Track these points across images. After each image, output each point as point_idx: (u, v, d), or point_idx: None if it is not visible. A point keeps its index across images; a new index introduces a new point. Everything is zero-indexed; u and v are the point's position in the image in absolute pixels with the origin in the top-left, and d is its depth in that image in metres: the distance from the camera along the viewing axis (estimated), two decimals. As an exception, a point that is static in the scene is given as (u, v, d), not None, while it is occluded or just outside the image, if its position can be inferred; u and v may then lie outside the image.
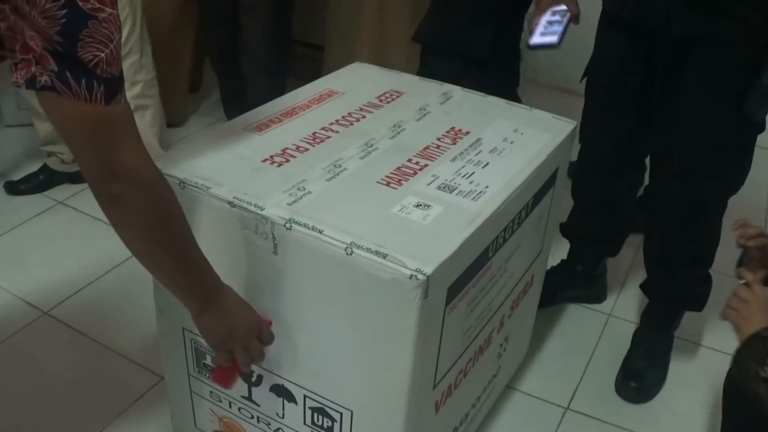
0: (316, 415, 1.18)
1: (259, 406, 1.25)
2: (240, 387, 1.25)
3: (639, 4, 1.43)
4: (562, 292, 1.90)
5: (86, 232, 2.08)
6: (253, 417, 1.27)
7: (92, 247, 2.01)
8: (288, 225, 1.04)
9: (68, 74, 0.78)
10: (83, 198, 2.21)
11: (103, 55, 0.79)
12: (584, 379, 1.71)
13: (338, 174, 1.16)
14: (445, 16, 1.70)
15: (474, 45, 1.66)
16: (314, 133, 1.27)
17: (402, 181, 1.16)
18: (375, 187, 1.14)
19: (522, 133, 1.35)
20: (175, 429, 1.44)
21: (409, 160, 1.22)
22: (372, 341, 1.05)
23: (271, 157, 1.19)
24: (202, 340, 1.24)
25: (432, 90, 1.49)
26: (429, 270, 0.97)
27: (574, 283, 1.90)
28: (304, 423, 1.20)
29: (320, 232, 1.02)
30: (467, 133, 1.33)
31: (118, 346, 1.71)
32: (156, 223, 0.92)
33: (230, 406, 1.30)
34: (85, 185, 2.13)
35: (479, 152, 1.27)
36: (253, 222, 1.07)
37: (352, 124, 1.32)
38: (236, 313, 1.05)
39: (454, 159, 1.24)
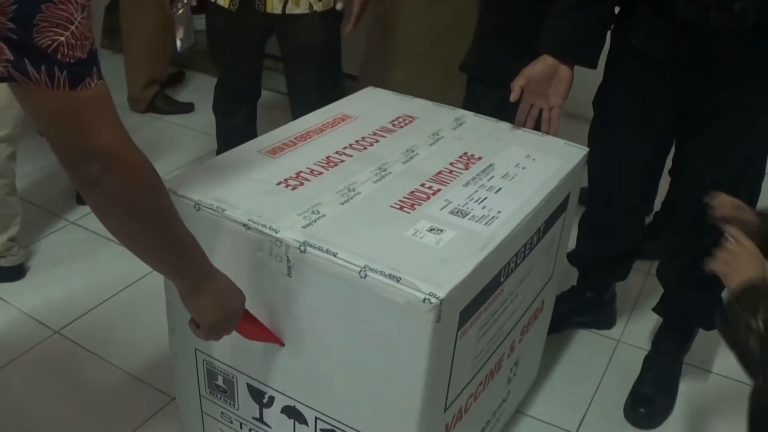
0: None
1: (270, 427, 1.25)
2: (251, 408, 1.26)
3: (684, 50, 1.41)
4: (572, 317, 1.91)
5: (97, 253, 2.09)
6: (263, 439, 1.28)
7: (103, 268, 2.03)
8: (302, 248, 1.05)
9: (26, 62, 0.73)
10: (94, 218, 2.22)
11: (62, 38, 0.74)
12: (593, 404, 1.71)
13: (352, 198, 1.17)
14: (490, 46, 1.71)
15: (514, 76, 1.66)
16: (328, 157, 1.29)
17: (415, 206, 1.17)
18: (388, 211, 1.15)
19: (534, 159, 1.37)
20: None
21: (422, 185, 1.23)
22: (384, 364, 1.06)
23: (286, 180, 1.20)
24: (214, 361, 1.25)
25: (444, 115, 1.51)
26: (442, 294, 0.97)
27: (584, 308, 1.91)
28: (315, 445, 1.20)
29: (334, 255, 1.03)
30: (480, 158, 1.34)
31: (129, 365, 1.72)
32: (137, 204, 0.88)
33: (241, 428, 1.30)
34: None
35: (491, 177, 1.28)
36: (268, 244, 1.08)
37: (365, 148, 1.34)
38: (229, 295, 1.05)
39: (466, 184, 1.25)
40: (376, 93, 1.61)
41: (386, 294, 0.99)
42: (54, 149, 0.81)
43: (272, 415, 1.23)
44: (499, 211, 1.18)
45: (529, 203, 1.22)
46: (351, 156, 1.30)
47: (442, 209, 1.17)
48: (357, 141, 1.36)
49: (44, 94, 0.75)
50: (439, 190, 1.22)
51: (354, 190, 1.19)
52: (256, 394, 1.23)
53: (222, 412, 1.31)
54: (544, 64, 1.47)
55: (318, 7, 1.83)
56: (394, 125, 1.44)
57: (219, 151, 2.16)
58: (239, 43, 1.99)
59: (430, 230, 1.11)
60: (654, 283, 1.85)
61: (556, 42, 1.48)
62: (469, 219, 1.15)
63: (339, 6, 1.88)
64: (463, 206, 1.18)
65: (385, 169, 1.27)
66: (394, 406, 1.08)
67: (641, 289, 2.09)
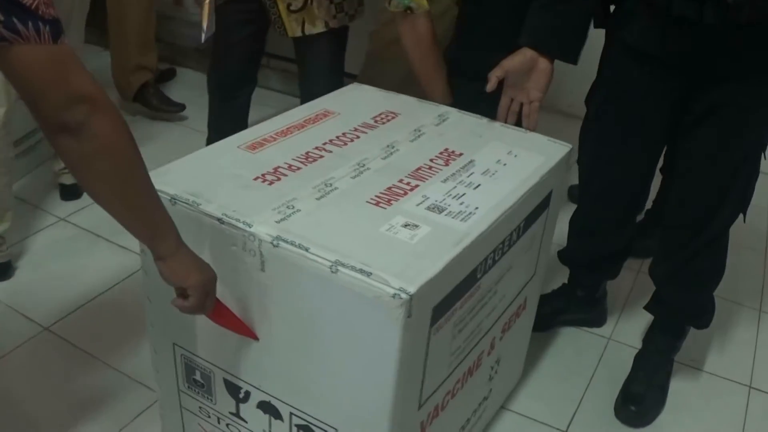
0: (303, 433, 1.18)
1: (247, 422, 1.25)
2: (228, 403, 1.26)
3: (679, 47, 1.40)
4: (562, 315, 1.90)
5: (87, 249, 2.10)
6: (240, 434, 1.28)
7: (93, 264, 2.03)
8: (275, 242, 1.04)
9: (15, 20, 0.79)
10: (85, 215, 2.23)
11: None
12: (583, 402, 1.71)
13: (328, 193, 1.17)
14: (467, 40, 1.72)
15: (493, 68, 1.66)
16: (307, 153, 1.29)
17: (392, 201, 1.17)
18: (364, 207, 1.15)
19: (516, 156, 1.36)
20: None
21: (401, 181, 1.23)
22: (356, 360, 1.05)
23: (263, 175, 1.20)
24: (192, 356, 1.25)
25: (428, 111, 1.50)
26: (413, 289, 0.97)
27: (574, 307, 1.90)
28: (291, 441, 1.20)
29: (306, 249, 1.03)
30: (460, 154, 1.34)
31: (118, 362, 1.72)
32: (120, 149, 0.91)
33: (219, 422, 1.30)
34: (88, 202, 2.17)
35: (471, 174, 1.28)
36: (241, 239, 1.08)
37: (345, 144, 1.34)
38: (204, 262, 1.06)
39: (445, 180, 1.25)
40: (361, 89, 1.61)
41: (357, 289, 0.99)
42: (39, 104, 0.86)
43: (248, 410, 1.23)
44: (477, 208, 1.17)
45: (508, 200, 1.21)
46: (330, 152, 1.30)
47: (418, 205, 1.16)
48: (338, 137, 1.35)
49: (32, 48, 0.82)
50: (417, 186, 1.22)
51: (331, 185, 1.19)
52: (233, 389, 1.23)
53: (200, 407, 1.31)
54: (523, 56, 1.47)
55: (333, 24, 1.84)
56: (376, 121, 1.43)
57: (210, 139, 2.16)
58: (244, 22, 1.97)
59: (405, 226, 1.11)
60: (645, 281, 1.84)
61: (536, 35, 1.48)
62: (445, 215, 1.15)
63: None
64: (440, 202, 1.18)
65: (363, 165, 1.26)
66: (366, 402, 1.08)
67: (632, 287, 2.08)
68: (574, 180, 2.34)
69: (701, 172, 1.52)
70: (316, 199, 1.15)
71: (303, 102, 2.02)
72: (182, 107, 2.91)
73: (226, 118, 2.11)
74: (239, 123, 2.06)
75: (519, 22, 1.51)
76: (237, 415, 1.26)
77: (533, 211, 1.33)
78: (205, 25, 2.18)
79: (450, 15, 1.98)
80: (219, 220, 1.09)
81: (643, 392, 1.68)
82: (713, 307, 1.72)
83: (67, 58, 0.85)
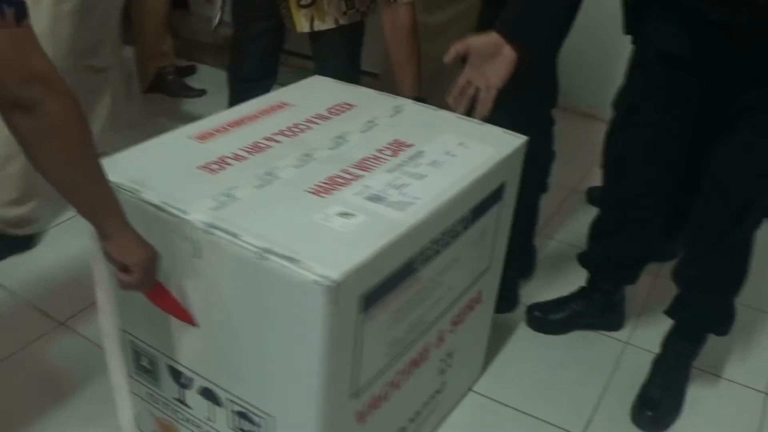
0: (240, 419, 1.19)
1: (191, 408, 1.26)
2: (173, 389, 1.27)
3: (710, 50, 1.38)
4: (579, 318, 1.89)
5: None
6: (186, 419, 1.29)
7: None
8: (208, 230, 1.06)
9: None
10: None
11: None
12: (600, 406, 1.70)
13: (269, 182, 1.18)
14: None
15: None
16: (256, 143, 1.30)
17: (331, 191, 1.17)
18: (303, 196, 1.15)
19: (467, 147, 1.36)
20: (121, 428, 1.46)
21: (344, 171, 1.23)
22: (286, 346, 1.06)
23: (207, 164, 1.21)
24: (139, 342, 1.27)
25: (384, 103, 1.51)
26: (336, 276, 0.98)
27: (592, 310, 1.89)
28: (229, 427, 1.21)
29: (236, 236, 1.04)
30: (410, 145, 1.34)
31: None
32: (76, 131, 0.94)
33: (166, 408, 1.31)
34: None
35: (418, 164, 1.28)
36: (178, 226, 1.09)
37: (296, 134, 1.34)
38: (146, 242, 1.08)
39: (390, 170, 1.25)
40: (322, 81, 1.62)
41: (283, 276, 1.00)
42: None
43: (191, 396, 1.25)
44: (418, 198, 1.18)
45: (451, 190, 1.21)
46: (280, 142, 1.31)
47: (357, 194, 1.17)
48: (288, 128, 1.36)
49: None
50: (360, 176, 1.22)
51: (273, 174, 1.20)
52: (176, 375, 1.25)
53: (148, 393, 1.33)
54: (489, 38, 1.45)
55: (343, 20, 1.82)
56: (330, 113, 1.44)
57: None
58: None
59: (340, 215, 1.11)
60: (663, 285, 1.81)
61: (505, 21, 1.46)
62: (384, 205, 1.15)
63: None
64: (380, 192, 1.18)
65: (309, 155, 1.27)
66: (296, 389, 1.08)
67: (650, 291, 2.05)
68: (595, 182, 2.36)
69: (730, 177, 1.49)
70: (255, 188, 1.16)
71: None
72: (202, 92, 2.96)
73: None
74: None
75: None
76: (182, 401, 1.27)
77: (482, 202, 1.33)
78: (216, 12, 2.20)
79: (468, 18, 1.97)
80: (157, 207, 1.10)
81: (660, 397, 1.67)
82: (734, 314, 1.69)
83: (27, 41, 0.88)
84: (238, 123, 1.37)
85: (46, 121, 0.91)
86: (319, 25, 1.80)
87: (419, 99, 1.59)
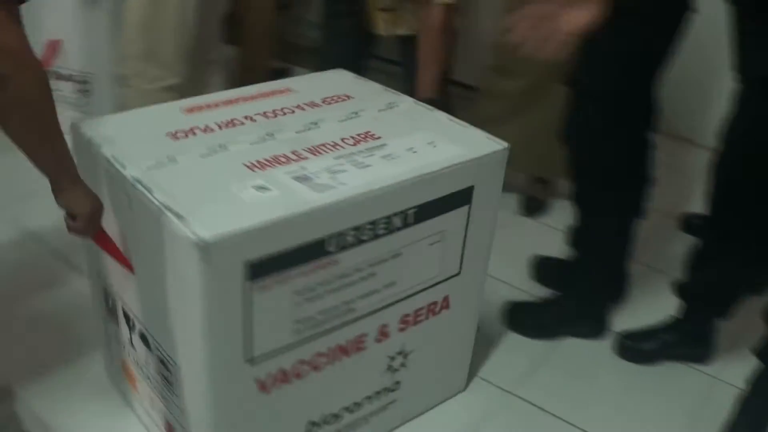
0: (161, 365, 1.28)
1: (136, 351, 1.38)
2: (126, 332, 1.40)
3: None
4: (670, 349, 1.82)
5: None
6: (134, 361, 1.41)
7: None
8: (134, 184, 1.16)
9: None
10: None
11: None
12: None
13: (216, 153, 1.26)
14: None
15: None
16: (233, 119, 1.39)
17: (267, 167, 1.23)
18: (237, 168, 1.22)
19: (434, 146, 1.35)
20: (106, 367, 1.62)
21: (294, 152, 1.28)
22: (182, 300, 1.14)
23: (176, 132, 1.32)
24: (106, 285, 1.41)
25: (382, 99, 1.53)
26: (209, 236, 1.04)
27: (683, 341, 1.81)
28: (157, 372, 1.31)
29: (149, 191, 1.13)
30: (378, 138, 1.36)
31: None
32: (40, 100, 1.04)
33: (123, 349, 1.45)
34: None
35: (370, 156, 1.30)
36: (118, 179, 1.21)
37: (276, 117, 1.42)
38: (94, 194, 1.20)
39: (338, 157, 1.28)
40: (341, 74, 1.66)
41: (172, 232, 1.08)
42: None
43: (135, 339, 1.36)
44: (344, 184, 1.20)
45: (383, 182, 1.22)
46: (255, 121, 1.39)
47: (288, 174, 1.21)
48: (274, 110, 1.44)
49: None
50: (305, 158, 1.27)
51: (224, 147, 1.28)
52: (126, 318, 1.37)
53: (115, 334, 1.47)
54: None
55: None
56: (324, 101, 1.49)
57: None
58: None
59: (256, 188, 1.17)
60: (756, 319, 1.68)
61: None
62: (306, 185, 1.19)
63: None
64: (312, 174, 1.22)
65: (272, 135, 1.34)
66: (191, 342, 1.16)
67: (742, 324, 1.88)
68: (690, 208, 2.31)
69: None
70: (200, 156, 1.25)
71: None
72: None
73: None
74: None
75: None
76: (131, 343, 1.39)
77: (435, 202, 1.31)
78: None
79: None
80: (107, 160, 1.23)
81: None
82: None
83: None
84: (231, 101, 1.47)
85: (14, 94, 1.00)
86: (395, 30, 1.86)
87: (433, 101, 1.59)
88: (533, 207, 2.41)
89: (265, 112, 1.43)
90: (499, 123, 2.19)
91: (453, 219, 1.37)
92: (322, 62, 2.15)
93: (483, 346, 1.76)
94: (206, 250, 1.04)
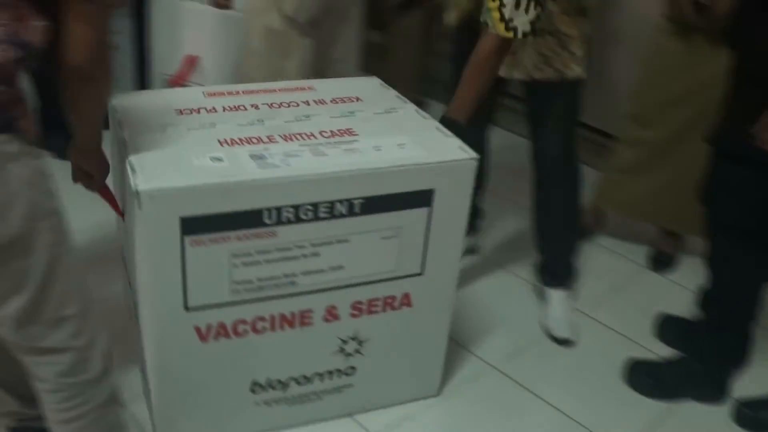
0: (135, 309, 1.49)
1: (131, 298, 1.61)
2: (125, 275, 1.62)
3: None
4: None
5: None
6: (132, 302, 1.63)
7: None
8: (127, 146, 1.38)
9: None
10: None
11: None
12: None
13: (203, 129, 1.45)
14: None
15: None
16: (240, 105, 1.57)
17: (236, 145, 1.39)
18: (210, 142, 1.40)
19: (402, 148, 1.43)
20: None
21: (269, 136, 1.43)
22: (134, 247, 1.34)
23: (184, 110, 1.53)
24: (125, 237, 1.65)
25: (386, 103, 1.63)
26: (145, 188, 1.23)
27: None
28: (134, 317, 1.52)
29: (128, 151, 1.34)
30: (354, 134, 1.46)
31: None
32: (106, 94, 1.23)
33: (128, 291, 1.68)
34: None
35: (334, 148, 1.41)
36: (119, 140, 1.43)
37: (279, 108, 1.57)
38: (104, 160, 1.37)
39: (303, 145, 1.41)
40: (372, 81, 1.78)
41: (129, 184, 1.28)
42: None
43: (126, 287, 1.59)
44: (290, 166, 1.33)
45: (328, 168, 1.33)
46: (258, 109, 1.56)
47: (249, 152, 1.36)
48: (282, 103, 1.60)
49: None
50: (276, 142, 1.41)
51: (213, 125, 1.47)
52: (125, 262, 1.60)
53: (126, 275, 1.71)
54: None
55: (536, 75, 1.79)
56: (333, 101, 1.62)
57: None
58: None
59: (212, 158, 1.33)
60: None
61: None
62: (257, 162, 1.33)
63: None
64: (268, 154, 1.36)
65: (262, 121, 1.50)
66: (141, 287, 1.36)
67: None
68: None
69: None
70: (188, 129, 1.44)
71: (535, 148, 1.93)
72: None
73: None
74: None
75: None
76: (131, 285, 1.62)
77: (385, 197, 1.38)
78: None
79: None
80: (117, 123, 1.47)
81: None
82: None
83: (102, 16, 1.07)
84: (252, 91, 1.65)
85: (97, 91, 1.17)
86: (511, 73, 1.79)
87: (451, 122, 1.59)
88: (661, 262, 2.33)
89: (272, 103, 1.59)
90: (633, 172, 2.25)
91: (410, 218, 1.43)
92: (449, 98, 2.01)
93: (603, 400, 1.78)
94: (140, 199, 1.23)
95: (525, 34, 1.55)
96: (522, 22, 1.53)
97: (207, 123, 1.47)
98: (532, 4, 1.52)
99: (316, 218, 1.36)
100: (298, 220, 1.35)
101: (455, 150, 1.45)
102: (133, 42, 2.72)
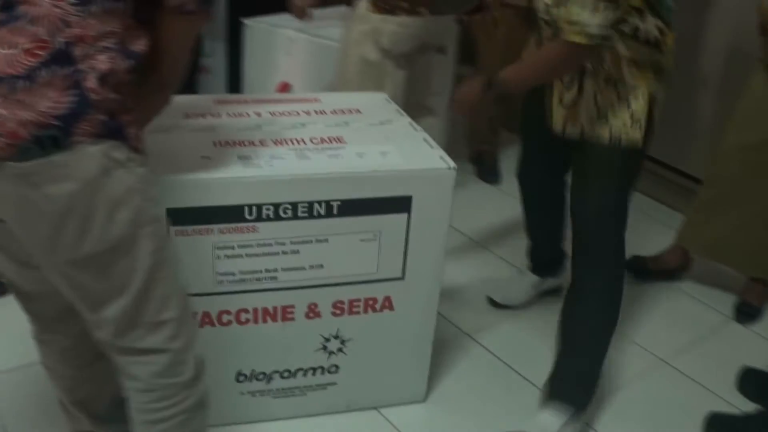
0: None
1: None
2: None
3: None
4: None
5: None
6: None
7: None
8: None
9: None
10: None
11: None
12: None
13: (203, 131, 1.56)
14: None
15: None
16: (244, 112, 1.67)
17: (229, 147, 1.49)
18: (205, 143, 1.50)
19: (385, 156, 1.50)
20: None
21: (261, 140, 1.53)
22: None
23: (192, 114, 1.64)
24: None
25: (383, 116, 1.70)
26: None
27: None
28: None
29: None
30: (343, 143, 1.54)
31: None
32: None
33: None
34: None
35: (319, 153, 1.49)
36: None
37: (280, 116, 1.66)
38: None
39: (291, 150, 1.50)
40: (377, 96, 1.85)
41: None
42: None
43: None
44: (272, 167, 1.42)
45: (307, 171, 1.41)
46: (260, 116, 1.66)
47: (237, 153, 1.46)
48: (284, 111, 1.69)
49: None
50: (267, 146, 1.50)
51: (213, 129, 1.57)
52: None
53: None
54: None
55: (590, 131, 1.66)
56: (332, 112, 1.71)
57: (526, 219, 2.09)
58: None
59: (202, 157, 1.44)
60: None
61: None
62: (242, 162, 1.43)
63: None
64: (255, 156, 1.45)
65: (260, 127, 1.60)
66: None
67: None
68: None
69: None
70: (189, 131, 1.56)
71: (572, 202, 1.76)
72: (495, 180, 2.97)
73: (538, 212, 2.06)
74: (554, 217, 2.00)
75: None
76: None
77: (362, 200, 1.45)
78: None
79: None
80: (129, 126, 1.60)
81: None
82: None
83: None
84: (261, 101, 1.76)
85: (197, 25, 1.14)
86: (570, 130, 1.67)
87: (492, 82, 1.57)
88: (747, 313, 2.23)
89: (274, 112, 1.69)
90: (714, 212, 2.16)
91: (389, 223, 1.49)
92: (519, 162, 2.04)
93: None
94: (129, 190, 1.34)
95: (592, 37, 1.46)
96: (593, 24, 1.44)
97: (208, 126, 1.58)
98: (601, 5, 1.42)
99: (296, 217, 1.44)
100: (278, 217, 1.43)
101: (435, 159, 1.51)
102: (226, 65, 2.83)
